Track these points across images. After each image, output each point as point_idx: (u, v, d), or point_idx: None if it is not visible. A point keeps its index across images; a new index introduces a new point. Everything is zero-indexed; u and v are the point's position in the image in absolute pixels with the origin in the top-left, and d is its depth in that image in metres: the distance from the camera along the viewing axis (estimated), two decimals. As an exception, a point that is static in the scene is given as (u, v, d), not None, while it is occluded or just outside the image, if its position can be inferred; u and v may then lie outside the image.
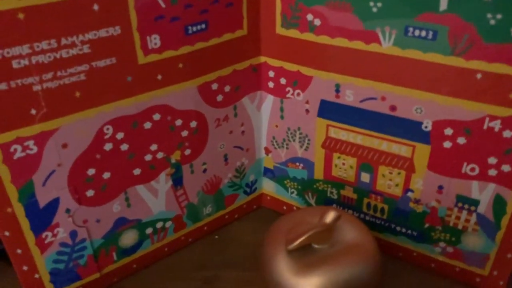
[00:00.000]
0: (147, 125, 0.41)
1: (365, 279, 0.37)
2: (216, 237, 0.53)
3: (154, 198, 0.45)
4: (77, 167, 0.39)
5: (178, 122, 0.43)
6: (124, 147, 0.41)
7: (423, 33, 0.36)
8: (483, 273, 0.44)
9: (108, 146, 0.40)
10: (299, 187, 0.52)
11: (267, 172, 0.54)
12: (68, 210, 0.40)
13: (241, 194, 0.54)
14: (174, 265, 0.49)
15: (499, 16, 0.33)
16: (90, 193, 0.40)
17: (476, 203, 0.41)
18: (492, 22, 0.33)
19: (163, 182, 0.45)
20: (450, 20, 0.35)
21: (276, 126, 0.50)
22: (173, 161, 0.45)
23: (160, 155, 0.43)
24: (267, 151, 0.53)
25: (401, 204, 0.45)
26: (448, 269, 0.46)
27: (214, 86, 0.44)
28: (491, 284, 0.44)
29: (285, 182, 0.53)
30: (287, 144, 0.50)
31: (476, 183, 0.40)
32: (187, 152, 0.46)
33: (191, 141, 0.45)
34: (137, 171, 0.43)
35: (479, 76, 0.36)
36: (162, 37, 0.38)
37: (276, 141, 0.51)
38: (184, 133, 0.44)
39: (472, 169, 0.40)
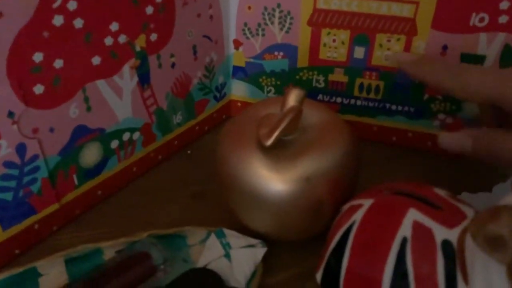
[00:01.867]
0: (105, -7, 0.31)
1: (346, 160, 0.32)
2: (189, 152, 0.45)
3: (119, 100, 0.36)
4: (19, 48, 0.28)
5: (142, -6, 0.34)
6: (79, 23, 0.30)
7: None
8: (483, 139, 0.42)
9: (58, 20, 0.29)
10: (278, 82, 0.46)
11: (237, 71, 0.47)
12: (11, 114, 0.29)
13: (211, 100, 0.46)
14: (150, 187, 0.41)
15: None
16: (39, 89, 0.30)
17: (482, 59, 0.38)
18: None
19: (127, 77, 0.36)
20: None
21: (249, 7, 0.42)
22: (137, 48, 0.35)
23: (122, 38, 0.34)
24: (237, 44, 0.45)
25: (399, 77, 0.41)
26: (446, 143, 0.44)
27: None
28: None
29: (260, 80, 0.46)
30: (263, 30, 0.43)
31: (484, 35, 0.37)
32: (153, 37, 0.36)
33: (157, 22, 0.36)
34: (96, 60, 0.33)
35: None
36: None
37: (248, 29, 0.44)
38: (149, 10, 0.35)
39: (481, 20, 0.37)
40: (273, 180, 0.30)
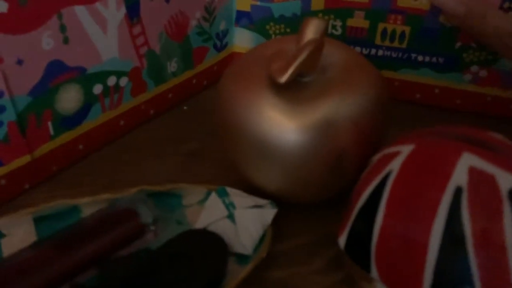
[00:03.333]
0: None
1: (374, 105, 0.27)
2: (185, 108, 0.40)
3: (102, 34, 0.30)
4: None
5: None
6: None
7: None
8: (520, 96, 0.37)
9: None
10: (288, 29, 0.40)
11: (242, 17, 0.41)
12: (-35, 35, 0.23)
13: (211, 49, 0.41)
14: (139, 144, 0.35)
15: None
16: (1, 5, 0.24)
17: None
18: None
19: (113, 6, 0.30)
20: None
21: None
22: (125, -28, 0.30)
23: (106, -44, 0.28)
24: (242, -16, 0.39)
25: (428, 20, 0.36)
26: (477, 101, 0.38)
27: None
28: (529, 108, 0.37)
29: (267, 27, 0.41)
30: (272, -35, 0.37)
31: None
32: (145, -40, 0.30)
33: None
34: (74, -21, 0.27)
35: None
36: None
37: (256, -37, 0.38)
38: None
39: None
40: (286, 127, 0.25)
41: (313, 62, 0.26)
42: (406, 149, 0.22)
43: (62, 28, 0.27)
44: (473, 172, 0.19)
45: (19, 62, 0.26)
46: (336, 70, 0.27)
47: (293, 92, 0.26)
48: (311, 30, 0.26)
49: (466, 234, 0.18)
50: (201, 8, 0.37)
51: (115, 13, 0.30)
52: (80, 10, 0.28)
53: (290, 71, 0.25)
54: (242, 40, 0.43)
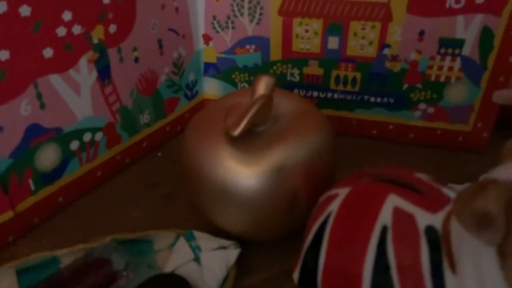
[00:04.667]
0: (55, -22, 0.29)
1: (321, 149, 0.30)
2: (159, 154, 0.43)
3: (76, 96, 0.33)
4: (-45, 36, 0.25)
5: (97, -20, 0.31)
6: (25, 10, 0.28)
7: None
8: (466, 129, 0.41)
9: (1, 7, 0.27)
10: (252, 77, 0.44)
11: (209, 68, 0.45)
12: (-50, 110, 0.26)
13: (182, 98, 0.44)
14: (116, 191, 0.38)
15: None
16: (-19, 82, 0.27)
17: (460, 43, 0.37)
18: None
19: (85, 71, 0.33)
20: None
21: (217, -1, 0.41)
22: (95, 40, 0.33)
23: (77, 29, 0.31)
24: (207, 39, 0.43)
25: (376, 66, 0.40)
26: (429, 134, 0.42)
27: None
28: (475, 140, 0.41)
29: (233, 76, 0.44)
30: (232, 23, 0.41)
31: (462, 17, 0.36)
32: (112, 28, 0.34)
33: (115, 12, 0.34)
34: (48, 52, 0.30)
35: None
36: None
37: (217, 22, 0.42)
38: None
39: (458, 1, 0.35)
40: (242, 174, 0.28)
41: (264, 114, 0.30)
42: (343, 192, 0.25)
43: (39, 96, 0.31)
44: (397, 212, 0.22)
45: (0, 129, 0.29)
46: (287, 119, 0.31)
47: (247, 141, 0.29)
48: (262, 86, 0.30)
49: (391, 265, 0.21)
50: (169, 64, 0.41)
51: (87, 76, 0.33)
52: (54, 78, 0.31)
53: (242, 125, 0.28)
54: (211, 88, 0.46)
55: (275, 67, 0.42)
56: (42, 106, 0.31)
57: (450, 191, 0.24)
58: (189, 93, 0.44)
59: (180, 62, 0.42)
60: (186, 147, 0.30)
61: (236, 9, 0.40)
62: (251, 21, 0.40)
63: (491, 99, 0.39)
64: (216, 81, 0.45)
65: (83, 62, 0.33)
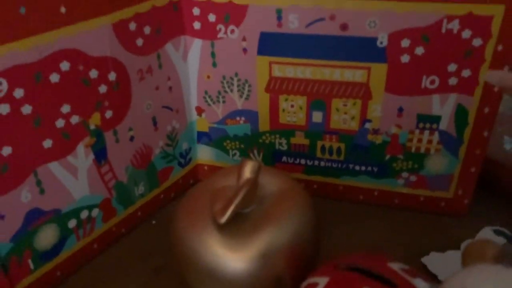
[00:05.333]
0: (54, 77, 0.31)
1: (305, 233, 0.32)
2: (154, 222, 0.44)
3: (74, 179, 0.35)
4: (-38, 140, 0.27)
5: (93, 74, 0.34)
6: (27, 109, 0.30)
7: None
8: (447, 195, 0.42)
9: (4, 109, 0.29)
10: (242, 145, 0.46)
11: (202, 137, 0.47)
12: (-45, 206, 0.28)
13: (176, 167, 0.46)
14: (111, 263, 0.39)
15: None
16: (-16, 178, 0.29)
17: (437, 119, 0.39)
18: None
19: (82, 156, 0.35)
20: None
21: (208, 76, 0.43)
22: (92, 127, 0.35)
23: (75, 119, 0.34)
24: (199, 111, 0.46)
25: (359, 139, 0.42)
26: (412, 200, 0.44)
27: (132, 26, 0.36)
28: (456, 205, 0.43)
29: (225, 144, 0.46)
30: (223, 97, 0.44)
31: (437, 96, 0.38)
32: (108, 114, 0.36)
33: (111, 100, 0.36)
34: (47, 143, 0.32)
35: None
36: (62, -48, 0.29)
37: (209, 96, 0.44)
38: (102, 89, 0.35)
39: (432, 82, 0.37)
40: (229, 259, 0.30)
41: (249, 198, 0.31)
42: (322, 282, 0.27)
43: (38, 183, 0.33)
44: (369, 307, 0.24)
45: (1, 217, 0.31)
46: (273, 200, 0.32)
47: (234, 225, 0.31)
48: (248, 170, 0.32)
49: None
50: (163, 138, 0.43)
51: (84, 160, 0.36)
52: (53, 166, 0.33)
53: (228, 213, 0.30)
54: (204, 154, 0.48)
55: (264, 137, 0.44)
56: (42, 191, 0.33)
57: (421, 283, 0.26)
58: (182, 161, 0.46)
59: (174, 134, 0.44)
60: (174, 231, 0.32)
61: (226, 86, 0.43)
62: (240, 96, 0.43)
63: (470, 169, 0.40)
64: (208, 148, 0.47)
65: (80, 148, 0.35)
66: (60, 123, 0.33)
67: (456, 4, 0.34)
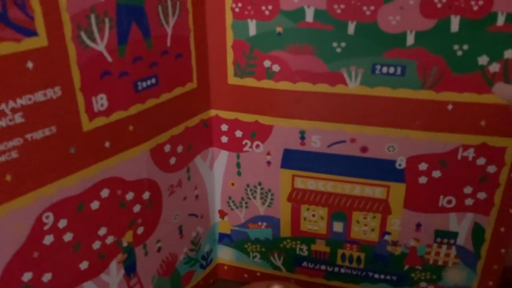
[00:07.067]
0: (95, 205, 0.33)
1: None
2: (175, 325, 0.45)
3: (106, 298, 0.36)
4: (9, 274, 0.29)
5: (129, 196, 0.36)
6: (68, 237, 0.32)
7: (392, 70, 0.36)
8: (466, 306, 0.43)
9: (48, 239, 0.31)
10: (263, 249, 0.47)
11: (223, 238, 0.48)
12: (-5, 335, 0.29)
13: (198, 270, 0.47)
14: None
15: (465, 47, 0.33)
16: None
17: (455, 235, 0.40)
18: (459, 53, 0.34)
19: (114, 272, 0.37)
20: (418, 54, 0.35)
21: (233, 184, 0.45)
22: (124, 244, 0.37)
23: (110, 239, 0.35)
24: (222, 214, 0.47)
25: (378, 249, 0.43)
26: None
27: (167, 148, 0.38)
28: (475, 315, 0.43)
29: (246, 246, 0.48)
30: (246, 203, 0.45)
31: (454, 215, 0.40)
32: (140, 230, 0.38)
33: (144, 217, 0.38)
34: (84, 265, 0.34)
35: (450, 107, 0.36)
36: (110, 96, 0.32)
37: (233, 201, 0.46)
38: (137, 208, 0.37)
39: (449, 202, 0.39)
40: None
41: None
42: None
43: (73, 302, 0.34)
44: None
45: None
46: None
47: None
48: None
49: None
50: (187, 244, 0.44)
51: (115, 276, 0.37)
52: (87, 284, 0.35)
53: None
54: (225, 254, 0.49)
55: (285, 242, 0.46)
56: (75, 311, 0.34)
57: None
58: (204, 262, 0.47)
59: (197, 239, 0.45)
60: None
61: (249, 193, 0.45)
62: (263, 203, 0.45)
63: (487, 283, 0.41)
64: (229, 249, 0.49)
65: (113, 265, 0.36)
66: (96, 245, 0.34)
67: (471, 135, 0.36)
